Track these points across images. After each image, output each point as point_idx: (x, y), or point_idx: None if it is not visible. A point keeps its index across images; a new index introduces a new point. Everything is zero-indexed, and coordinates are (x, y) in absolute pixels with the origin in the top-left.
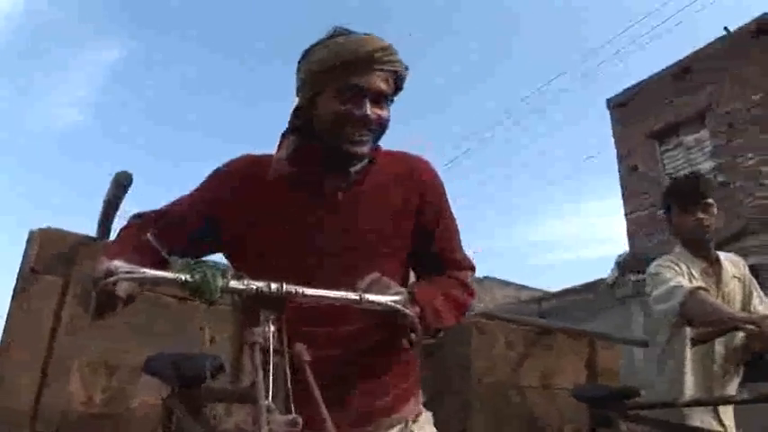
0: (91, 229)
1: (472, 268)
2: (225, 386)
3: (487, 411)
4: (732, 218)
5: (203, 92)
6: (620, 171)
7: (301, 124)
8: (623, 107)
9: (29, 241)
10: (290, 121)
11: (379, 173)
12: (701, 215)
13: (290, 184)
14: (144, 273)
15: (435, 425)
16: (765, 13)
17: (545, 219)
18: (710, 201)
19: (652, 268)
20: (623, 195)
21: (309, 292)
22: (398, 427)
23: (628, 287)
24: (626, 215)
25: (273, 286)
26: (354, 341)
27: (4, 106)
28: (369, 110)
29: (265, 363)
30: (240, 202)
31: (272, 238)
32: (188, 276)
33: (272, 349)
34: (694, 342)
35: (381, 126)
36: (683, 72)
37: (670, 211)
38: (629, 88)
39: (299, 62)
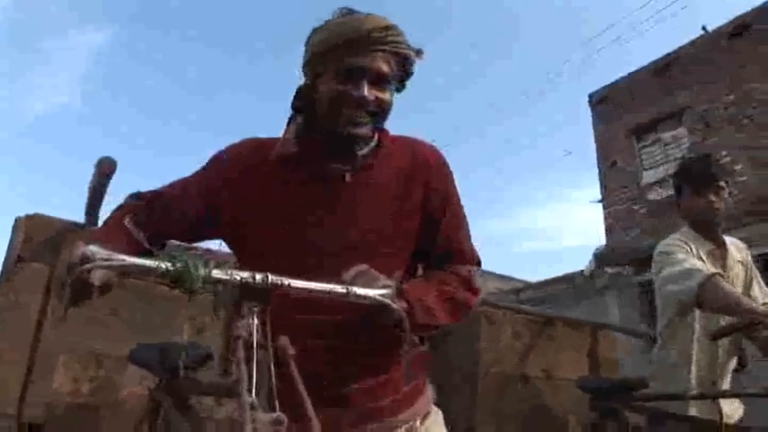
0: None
1: (478, 262)
2: (214, 377)
3: (494, 402)
4: None
5: (201, 88)
6: (599, 166)
7: (303, 106)
8: (604, 103)
9: (14, 229)
10: (292, 104)
11: (384, 163)
12: (712, 198)
13: (295, 166)
14: (122, 260)
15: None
16: (743, 14)
17: (533, 207)
18: (722, 184)
19: (662, 247)
20: (602, 190)
21: (296, 283)
22: (405, 427)
23: (604, 279)
24: (604, 209)
25: (258, 277)
26: (353, 335)
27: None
28: (366, 91)
29: (248, 357)
30: (240, 197)
31: (272, 238)
32: (168, 265)
33: (255, 343)
34: (714, 337)
35: (381, 108)
36: (662, 69)
37: (680, 192)
38: (609, 84)
39: (305, 44)
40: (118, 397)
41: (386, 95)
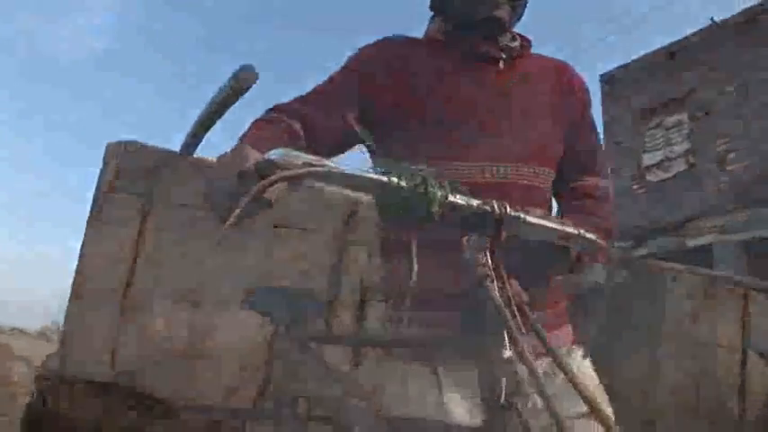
0: None
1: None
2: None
3: (671, 365)
4: (695, 199)
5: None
6: (605, 144)
7: (441, 6)
8: (612, 83)
9: (106, 158)
10: (430, 5)
11: (533, 61)
12: None
13: (445, 55)
14: (338, 169)
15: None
16: (752, 6)
17: None
18: None
19: None
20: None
21: (530, 219)
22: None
23: None
24: None
25: (496, 205)
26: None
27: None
28: None
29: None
30: (391, 93)
31: (432, 131)
32: (402, 181)
33: (496, 284)
34: None
35: None
36: (670, 55)
37: None
38: (620, 66)
39: None
40: (216, 341)
41: None
